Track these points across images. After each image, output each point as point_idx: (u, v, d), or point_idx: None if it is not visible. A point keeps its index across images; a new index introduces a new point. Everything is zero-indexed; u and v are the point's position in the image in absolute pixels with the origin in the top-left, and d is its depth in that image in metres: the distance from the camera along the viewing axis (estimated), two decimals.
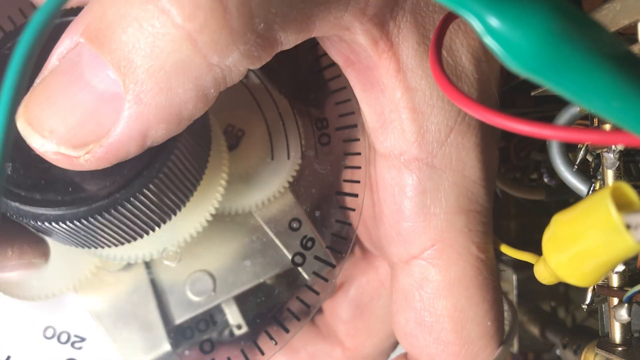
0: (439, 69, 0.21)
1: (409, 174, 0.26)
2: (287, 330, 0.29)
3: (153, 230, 0.26)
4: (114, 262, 0.30)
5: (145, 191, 0.23)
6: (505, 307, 0.29)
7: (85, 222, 0.23)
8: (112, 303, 0.30)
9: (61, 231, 0.24)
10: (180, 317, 0.30)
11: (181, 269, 0.30)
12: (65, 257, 0.29)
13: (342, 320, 0.34)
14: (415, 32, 0.25)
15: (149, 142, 0.21)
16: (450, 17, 0.24)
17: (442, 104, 0.26)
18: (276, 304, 0.30)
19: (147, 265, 0.30)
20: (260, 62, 0.22)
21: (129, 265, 0.30)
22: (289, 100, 0.31)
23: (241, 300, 0.30)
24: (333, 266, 0.30)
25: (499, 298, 0.27)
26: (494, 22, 0.14)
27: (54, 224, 0.23)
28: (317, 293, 0.29)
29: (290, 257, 0.30)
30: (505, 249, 0.28)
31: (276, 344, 0.29)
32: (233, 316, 0.30)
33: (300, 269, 0.30)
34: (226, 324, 0.30)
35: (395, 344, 0.35)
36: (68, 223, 0.23)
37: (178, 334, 0.30)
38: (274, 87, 0.31)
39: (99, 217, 0.23)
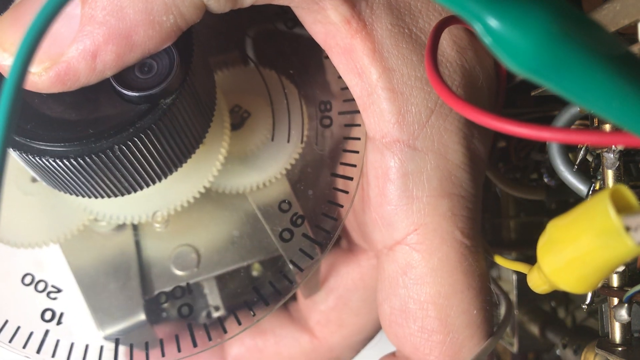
0: (435, 74, 0.21)
1: (391, 156, 0.26)
2: (267, 304, 0.29)
3: (142, 187, 0.26)
4: (102, 224, 0.30)
5: (137, 141, 0.23)
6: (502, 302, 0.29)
7: (73, 161, 0.23)
8: (94, 263, 0.30)
9: (50, 169, 0.24)
10: (159, 288, 0.30)
11: (168, 240, 0.30)
12: (55, 209, 0.30)
13: (316, 308, 0.34)
14: (389, 14, 0.25)
15: (99, 65, 0.22)
16: (444, 23, 0.24)
17: (422, 85, 0.26)
18: (257, 287, 0.30)
19: (135, 231, 0.30)
20: (216, 1, 0.23)
21: (117, 229, 0.30)
22: (297, 86, 0.31)
23: (222, 282, 0.30)
24: (320, 245, 0.29)
25: (485, 286, 0.27)
26: (493, 23, 0.14)
27: (42, 159, 0.23)
28: (301, 269, 0.29)
29: (277, 243, 0.30)
30: (499, 260, 0.27)
31: (254, 315, 0.29)
32: (212, 297, 0.30)
33: (285, 258, 0.29)
34: (205, 304, 0.30)
35: (367, 340, 0.35)
36: (57, 160, 0.23)
37: (154, 304, 0.30)
38: (284, 73, 0.31)
39: (87, 159, 0.23)
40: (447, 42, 0.26)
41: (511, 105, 0.35)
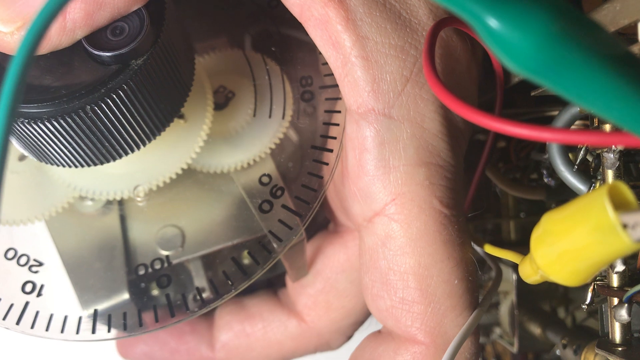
0: (433, 75, 0.21)
1: (367, 125, 0.26)
2: (245, 273, 0.30)
3: (120, 154, 0.26)
4: (88, 203, 0.30)
5: (110, 101, 0.23)
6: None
7: (47, 124, 0.23)
8: (79, 242, 0.30)
9: (25, 134, 0.24)
10: (143, 269, 0.30)
11: (153, 220, 0.30)
12: (40, 187, 0.30)
13: (303, 292, 0.34)
14: None
15: (69, 23, 0.22)
16: (441, 24, 0.24)
17: (396, 53, 0.25)
18: (235, 257, 0.30)
19: (121, 211, 0.31)
20: None
21: (102, 210, 0.31)
22: (279, 62, 0.32)
23: (209, 264, 0.30)
24: (299, 215, 0.30)
25: (467, 257, 0.27)
26: (493, 23, 0.14)
27: (16, 122, 0.23)
28: (279, 240, 0.29)
29: (265, 230, 0.30)
30: (489, 248, 0.27)
31: (232, 284, 0.29)
32: (199, 279, 0.30)
33: (264, 229, 0.30)
34: (192, 286, 0.30)
35: (356, 324, 0.35)
36: (32, 123, 0.23)
37: (138, 283, 0.30)
38: (267, 51, 0.32)
39: (61, 120, 0.23)
40: (424, 11, 0.26)
41: (511, 105, 0.35)
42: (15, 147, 0.26)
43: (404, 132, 0.26)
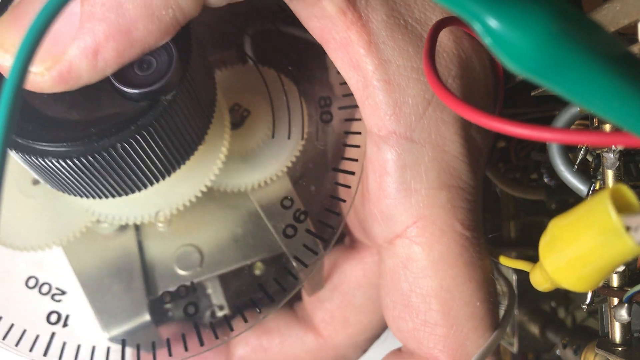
0: (433, 75, 0.21)
1: (388, 148, 0.26)
2: (273, 300, 0.29)
3: (145, 185, 0.26)
4: (105, 225, 0.30)
5: (140, 138, 0.23)
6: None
7: (76, 161, 0.23)
8: (97, 265, 0.30)
9: (52, 170, 0.24)
10: (163, 288, 0.30)
11: (170, 240, 0.30)
12: (57, 212, 0.30)
13: (320, 306, 0.34)
14: (384, 5, 0.25)
15: (100, 62, 0.22)
16: (442, 24, 0.24)
17: (418, 76, 0.25)
18: (262, 284, 0.30)
19: (138, 232, 0.30)
20: None
21: (119, 230, 0.30)
22: (296, 82, 0.31)
23: (226, 281, 0.30)
24: (323, 240, 0.29)
25: (488, 278, 0.27)
26: (493, 23, 0.14)
27: (44, 160, 0.23)
28: (305, 265, 0.29)
29: (282, 246, 0.30)
30: (502, 259, 0.27)
31: (260, 312, 0.29)
32: (216, 296, 0.30)
33: (289, 254, 0.29)
34: (209, 303, 0.30)
35: (373, 338, 0.35)
36: (60, 161, 0.23)
37: (159, 304, 0.30)
38: (283, 70, 0.32)
39: (90, 158, 0.23)
40: (443, 31, 0.26)
41: (511, 105, 0.35)
42: (31, 173, 0.26)
43: (425, 155, 0.26)
